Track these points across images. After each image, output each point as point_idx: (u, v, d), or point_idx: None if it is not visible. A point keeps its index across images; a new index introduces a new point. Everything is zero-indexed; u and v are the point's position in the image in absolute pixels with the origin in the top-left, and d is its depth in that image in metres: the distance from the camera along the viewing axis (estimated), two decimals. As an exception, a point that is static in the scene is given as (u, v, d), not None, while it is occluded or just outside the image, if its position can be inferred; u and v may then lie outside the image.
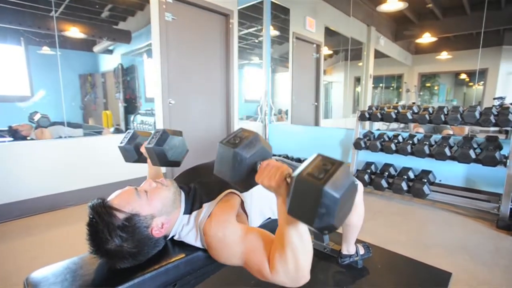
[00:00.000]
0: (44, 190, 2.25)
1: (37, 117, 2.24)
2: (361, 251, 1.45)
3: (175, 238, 0.83)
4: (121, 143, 1.18)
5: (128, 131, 1.20)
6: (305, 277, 0.67)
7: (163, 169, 2.97)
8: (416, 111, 2.59)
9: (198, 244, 0.80)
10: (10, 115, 2.20)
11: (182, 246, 0.82)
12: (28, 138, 2.22)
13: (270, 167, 0.64)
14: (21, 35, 2.19)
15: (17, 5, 2.11)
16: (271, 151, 0.71)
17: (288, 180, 0.58)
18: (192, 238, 0.80)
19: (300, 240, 0.64)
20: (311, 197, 0.50)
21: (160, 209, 0.77)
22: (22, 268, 1.51)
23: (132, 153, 1.16)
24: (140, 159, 1.17)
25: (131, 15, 2.76)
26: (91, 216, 0.70)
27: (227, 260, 0.76)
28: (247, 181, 0.67)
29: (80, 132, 2.51)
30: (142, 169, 2.56)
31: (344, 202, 0.51)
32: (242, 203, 0.87)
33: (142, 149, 1.11)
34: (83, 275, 0.70)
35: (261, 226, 0.97)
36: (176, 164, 1.07)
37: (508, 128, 2.19)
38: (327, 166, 0.52)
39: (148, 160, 1.11)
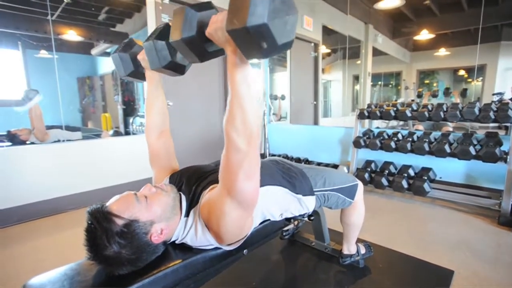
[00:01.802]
0: (43, 194, 2.24)
1: (26, 91, 2.20)
2: (362, 250, 1.44)
3: (177, 242, 0.82)
4: (115, 51, 0.99)
5: (125, 40, 1.02)
6: (255, 133, 0.65)
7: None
8: (415, 108, 2.58)
9: (199, 236, 0.79)
10: (9, 119, 2.19)
11: (180, 250, 0.81)
12: (27, 142, 2.21)
13: (218, 14, 0.63)
14: (18, 39, 2.18)
15: (14, 9, 2.10)
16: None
17: None
18: (193, 234, 0.80)
19: (246, 86, 0.63)
20: None
21: (159, 215, 0.76)
22: (22, 273, 1.50)
23: (128, 62, 0.98)
24: (137, 72, 1.00)
25: (128, 17, 2.75)
26: (89, 222, 0.69)
27: (225, 214, 0.72)
28: (198, 41, 0.66)
29: (79, 135, 2.50)
30: (143, 172, 2.55)
31: (280, 5, 0.52)
32: None
33: (140, 56, 0.95)
34: (81, 282, 0.70)
35: (260, 227, 0.97)
36: (180, 69, 0.88)
37: (508, 124, 2.18)
38: None
39: (147, 74, 0.97)
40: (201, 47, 0.68)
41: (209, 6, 0.69)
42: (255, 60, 4.14)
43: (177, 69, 0.87)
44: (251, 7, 0.50)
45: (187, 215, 0.83)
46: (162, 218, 0.77)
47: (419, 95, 5.24)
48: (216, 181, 0.83)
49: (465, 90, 5.03)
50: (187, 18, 0.65)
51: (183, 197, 0.85)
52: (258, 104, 0.66)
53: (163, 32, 0.83)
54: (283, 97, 4.45)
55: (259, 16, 0.50)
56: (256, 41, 0.53)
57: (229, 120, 0.65)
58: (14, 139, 2.17)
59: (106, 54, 2.75)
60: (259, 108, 0.67)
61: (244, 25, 0.51)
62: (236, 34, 0.55)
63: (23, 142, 2.20)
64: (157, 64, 0.85)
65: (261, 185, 0.91)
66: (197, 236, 0.79)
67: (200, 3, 0.69)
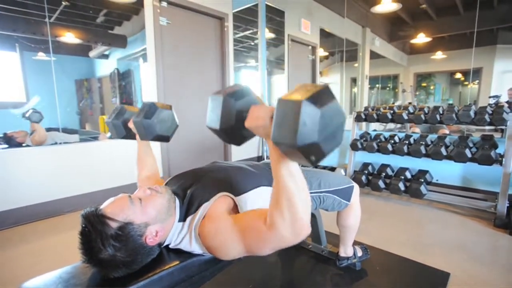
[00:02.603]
0: (40, 197, 2.23)
1: (28, 113, 2.21)
2: (359, 253, 1.45)
3: (170, 246, 0.82)
4: (109, 118, 1.15)
5: (116, 106, 1.17)
6: (304, 226, 0.63)
7: (160, 174, 2.96)
8: (411, 111, 2.60)
9: (194, 247, 0.79)
10: (5, 121, 2.18)
11: (176, 253, 0.81)
12: (24, 144, 2.21)
13: (258, 108, 0.63)
14: (15, 41, 2.18)
15: (11, 11, 2.10)
16: (262, 102, 0.71)
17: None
18: (187, 242, 0.80)
19: (294, 182, 0.61)
20: (291, 114, 0.49)
21: (154, 217, 0.76)
22: (18, 276, 1.49)
23: (120, 129, 1.13)
24: (129, 135, 1.14)
25: (126, 20, 2.76)
26: (83, 225, 0.69)
27: (228, 251, 0.74)
28: (237, 129, 0.67)
29: (76, 138, 2.50)
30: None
31: (328, 121, 0.50)
32: (235, 206, 0.86)
33: (130, 125, 1.08)
34: (76, 285, 0.69)
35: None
36: (165, 139, 1.05)
37: (503, 127, 2.20)
38: (309, 87, 0.52)
39: (138, 138, 1.09)
40: (239, 134, 0.69)
41: (246, 92, 0.68)
42: (253, 63, 4.17)
43: (162, 139, 1.04)
44: (301, 126, 0.48)
45: (182, 220, 0.82)
46: (157, 220, 0.76)
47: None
48: (215, 189, 0.84)
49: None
50: (226, 108, 0.65)
51: (177, 200, 0.85)
52: (307, 196, 0.64)
53: (150, 111, 0.97)
54: None
55: (309, 136, 0.49)
56: (304, 156, 0.52)
57: (277, 211, 0.63)
58: (10, 141, 2.16)
59: (104, 56, 2.75)
60: (309, 199, 0.65)
61: (294, 144, 0.50)
62: (283, 147, 0.54)
63: (19, 145, 2.19)
64: (145, 137, 1.03)
65: (256, 186, 0.92)
66: (191, 245, 0.79)
67: (237, 89, 0.67)
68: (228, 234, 0.72)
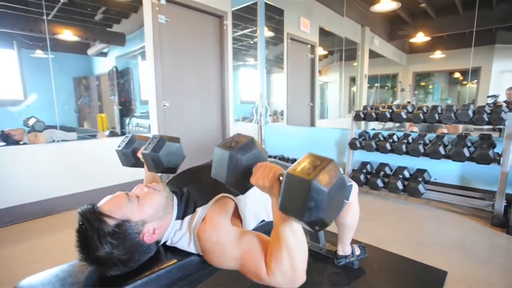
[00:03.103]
0: (37, 195, 2.22)
1: (31, 122, 2.22)
2: (357, 251, 1.45)
3: (167, 244, 0.82)
4: (119, 146, 1.18)
5: (126, 135, 1.20)
6: (301, 277, 0.67)
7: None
8: (410, 110, 2.60)
9: (191, 248, 0.79)
10: (2, 119, 2.17)
11: (174, 251, 0.81)
12: (21, 142, 2.19)
13: (264, 167, 0.66)
14: (13, 38, 2.17)
15: (9, 9, 2.09)
16: (267, 155, 0.74)
17: (281, 179, 0.61)
18: (185, 243, 0.79)
19: (295, 239, 0.65)
20: (300, 192, 0.52)
21: (151, 214, 0.76)
22: (15, 274, 1.49)
23: (129, 157, 1.16)
24: (137, 163, 1.17)
25: (125, 18, 2.75)
26: (80, 223, 0.68)
27: (222, 263, 0.76)
28: (242, 183, 0.69)
29: (74, 136, 2.49)
30: (136, 173, 2.55)
31: (333, 197, 0.54)
32: (235, 206, 0.86)
33: (139, 154, 1.10)
34: (73, 283, 0.69)
35: (255, 229, 0.96)
36: (173, 170, 1.07)
37: (501, 126, 2.20)
38: (317, 163, 0.56)
39: (145, 166, 1.11)
40: (243, 186, 0.71)
41: (252, 145, 0.70)
42: (252, 61, 4.16)
43: (169, 171, 1.06)
44: (310, 204, 0.52)
45: (180, 217, 0.82)
46: (154, 218, 0.76)
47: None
48: (214, 189, 0.84)
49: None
50: (232, 164, 0.67)
51: (175, 198, 0.85)
52: (306, 251, 0.68)
53: (158, 145, 1.01)
54: (282, 113, 4.48)
55: (316, 213, 0.52)
56: (309, 226, 0.55)
57: (277, 262, 0.67)
58: (7, 139, 2.15)
59: (103, 54, 2.74)
60: (306, 254, 0.69)
61: (301, 219, 0.54)
62: (289, 215, 0.58)
63: (17, 142, 2.18)
64: (153, 170, 1.05)
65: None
66: (189, 246, 0.79)
67: (244, 143, 0.69)
68: (229, 249, 0.73)
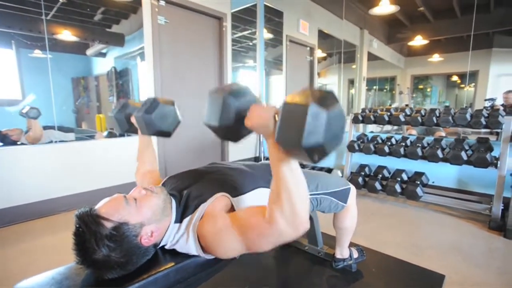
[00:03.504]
0: (35, 196, 2.21)
1: (26, 109, 2.19)
2: (355, 254, 1.45)
3: (166, 247, 0.82)
4: (113, 112, 1.18)
5: (120, 101, 1.23)
6: (304, 222, 0.64)
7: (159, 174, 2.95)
8: (408, 113, 2.61)
9: (190, 246, 0.78)
10: (0, 119, 2.16)
11: (172, 254, 0.80)
12: (18, 143, 2.18)
13: (259, 107, 0.64)
14: (11, 38, 2.16)
15: (8, 8, 2.08)
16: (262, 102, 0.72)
17: (277, 117, 0.58)
18: (183, 242, 0.79)
19: (293, 178, 0.63)
20: (298, 117, 0.51)
21: (149, 217, 0.75)
22: (13, 275, 1.48)
23: (123, 122, 1.15)
24: (131, 128, 1.16)
25: (124, 18, 2.74)
26: (77, 225, 0.68)
27: (227, 249, 0.74)
28: (236, 128, 0.68)
29: (72, 136, 2.47)
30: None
31: (332, 124, 0.52)
32: (232, 207, 0.86)
33: (133, 119, 1.09)
34: (69, 286, 0.68)
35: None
36: (167, 134, 1.05)
37: (499, 130, 2.22)
38: (315, 93, 0.54)
39: (139, 132, 1.10)
40: (237, 132, 0.70)
41: (246, 91, 0.69)
42: (251, 63, 4.16)
43: (163, 134, 1.05)
44: (308, 127, 0.50)
45: (179, 221, 0.82)
46: (152, 220, 0.76)
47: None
48: (212, 190, 0.83)
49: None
50: (226, 106, 0.66)
51: (173, 201, 0.85)
52: (306, 193, 0.66)
53: (152, 107, 0.98)
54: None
55: (315, 137, 0.51)
56: (308, 155, 0.53)
57: (277, 207, 0.64)
58: (5, 139, 2.13)
59: (102, 54, 2.74)
60: (307, 196, 0.67)
61: (300, 145, 0.51)
62: (287, 147, 0.56)
63: (14, 143, 2.16)
64: (146, 132, 1.04)
65: (254, 188, 0.91)
66: (187, 244, 0.79)
67: (236, 88, 0.68)
68: (228, 232, 0.72)
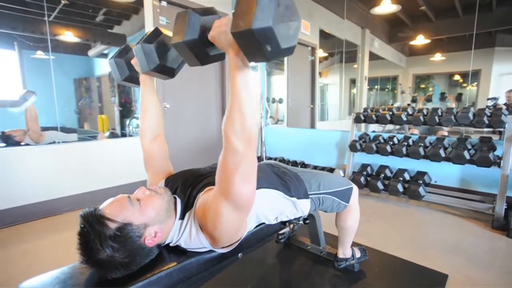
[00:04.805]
0: (38, 196, 2.22)
1: (23, 92, 2.19)
2: (358, 254, 1.45)
3: (171, 244, 0.82)
4: (112, 57, 1.04)
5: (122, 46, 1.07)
6: (253, 136, 0.67)
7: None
8: (410, 112, 2.60)
9: (193, 239, 0.79)
10: (3, 120, 2.18)
11: (175, 253, 0.81)
12: (22, 143, 2.19)
13: (221, 19, 0.66)
14: (14, 39, 2.17)
15: (10, 10, 2.09)
16: None
17: None
18: (187, 236, 0.80)
19: (246, 90, 0.64)
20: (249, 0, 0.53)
21: (153, 218, 0.76)
22: (15, 276, 1.48)
23: (123, 67, 1.02)
24: (132, 76, 1.03)
25: (126, 19, 2.75)
26: (82, 226, 0.68)
27: (220, 217, 0.71)
28: (200, 45, 0.68)
29: (74, 137, 2.49)
30: (138, 175, 2.55)
31: (284, 10, 0.54)
32: None
33: (133, 61, 0.98)
34: (73, 285, 0.69)
35: (255, 230, 0.97)
36: (170, 72, 0.92)
37: (501, 129, 2.20)
38: None
39: (140, 78, 0.99)
40: (203, 51, 0.70)
41: (212, 11, 0.70)
42: (252, 63, 4.15)
43: (166, 71, 0.91)
44: (257, 11, 0.52)
45: (182, 217, 0.82)
46: (156, 221, 0.76)
47: (414, 100, 5.29)
48: (211, 183, 0.83)
49: (460, 94, 5.08)
50: (190, 22, 0.66)
51: (178, 200, 0.85)
52: (256, 108, 0.68)
53: (152, 36, 0.87)
54: (280, 101, 4.47)
55: (264, 20, 0.52)
56: (260, 44, 0.55)
57: (228, 123, 0.66)
58: (8, 140, 2.15)
59: (103, 55, 2.75)
60: (258, 112, 0.68)
61: (250, 27, 0.53)
62: (240, 36, 0.57)
63: (17, 144, 2.18)
64: (146, 67, 0.87)
65: (256, 188, 0.92)
66: (191, 237, 0.79)
67: (203, 8, 0.70)
68: (212, 199, 0.74)
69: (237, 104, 0.64)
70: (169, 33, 0.90)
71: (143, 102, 1.03)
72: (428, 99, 5.06)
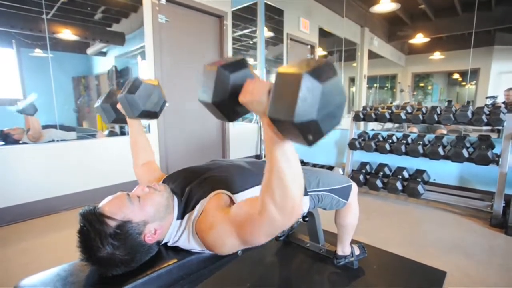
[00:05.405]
0: (37, 195, 2.22)
1: (23, 105, 2.17)
2: (357, 251, 1.45)
3: (169, 244, 0.82)
4: (98, 102, 1.11)
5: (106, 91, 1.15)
6: (296, 207, 0.60)
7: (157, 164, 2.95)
8: (409, 111, 2.61)
9: (192, 244, 0.79)
10: (1, 118, 2.17)
11: (175, 251, 0.81)
12: (20, 142, 2.19)
13: (254, 82, 0.59)
14: (12, 37, 2.16)
15: (8, 7, 2.08)
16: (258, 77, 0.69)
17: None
18: (185, 240, 0.79)
19: (287, 162, 0.57)
20: (291, 88, 0.46)
21: (153, 215, 0.76)
22: (14, 275, 1.48)
23: (110, 111, 1.09)
24: (119, 118, 1.10)
25: (124, 17, 2.74)
26: (82, 224, 0.68)
27: (223, 244, 0.72)
28: (230, 104, 0.63)
29: (73, 135, 2.48)
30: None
31: (328, 98, 0.47)
32: (232, 203, 0.86)
33: (119, 106, 1.04)
34: (74, 283, 0.69)
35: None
36: (153, 115, 1.01)
37: (500, 127, 2.21)
38: (310, 62, 0.48)
39: (128, 120, 1.06)
40: (232, 109, 0.65)
41: (242, 63, 0.64)
42: (251, 61, 4.16)
43: (150, 115, 1.01)
44: (300, 101, 0.45)
45: (180, 217, 0.82)
46: (155, 218, 0.76)
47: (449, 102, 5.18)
48: (213, 186, 0.84)
49: (468, 103, 5.09)
50: (219, 80, 0.61)
51: (175, 198, 0.85)
52: (300, 173, 0.60)
53: (134, 86, 0.94)
54: None
55: (308, 112, 0.45)
56: (301, 134, 0.48)
57: (267, 192, 0.60)
58: (7, 138, 2.14)
59: (102, 53, 2.74)
60: (302, 181, 0.61)
61: (291, 120, 0.46)
62: (279, 123, 0.51)
63: (16, 142, 2.17)
64: (131, 114, 0.98)
65: (254, 185, 0.92)
66: (189, 242, 0.79)
67: (233, 61, 0.64)
68: (222, 226, 0.71)
69: (278, 177, 0.58)
70: (150, 81, 1.00)
71: (131, 138, 1.13)
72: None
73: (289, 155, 0.58)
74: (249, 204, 0.69)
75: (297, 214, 0.61)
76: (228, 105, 0.64)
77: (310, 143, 0.50)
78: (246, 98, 0.59)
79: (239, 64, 0.64)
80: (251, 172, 0.98)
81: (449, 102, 5.00)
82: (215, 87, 0.62)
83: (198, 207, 0.79)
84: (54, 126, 2.35)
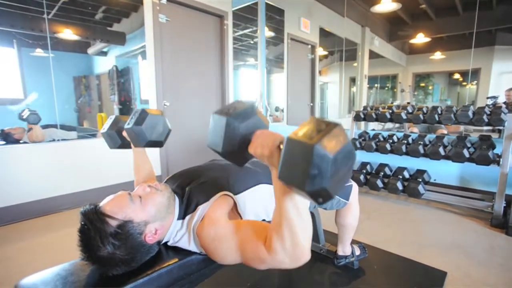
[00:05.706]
0: (37, 194, 2.22)
1: (25, 114, 2.19)
2: (357, 251, 1.45)
3: (169, 244, 0.82)
4: (104, 129, 1.16)
5: (110, 116, 1.18)
6: (305, 254, 0.62)
7: (157, 171, 2.95)
8: (410, 111, 2.60)
9: (192, 247, 0.79)
10: (2, 118, 2.17)
11: (175, 250, 0.81)
12: (21, 141, 2.19)
13: (264, 135, 0.61)
14: (13, 37, 2.16)
15: (9, 7, 2.08)
16: (268, 124, 0.68)
17: (282, 147, 0.54)
18: (185, 242, 0.79)
19: (297, 213, 0.59)
20: (302, 158, 0.47)
21: (154, 214, 0.76)
22: (14, 274, 1.49)
23: (115, 138, 1.14)
24: (124, 144, 1.15)
25: (125, 17, 2.74)
26: (82, 223, 0.68)
27: (224, 258, 0.73)
28: (240, 153, 0.64)
29: (74, 135, 2.49)
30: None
31: (339, 165, 0.47)
32: (235, 205, 0.86)
33: (124, 133, 1.09)
34: (74, 282, 0.69)
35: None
36: (159, 144, 1.06)
37: (501, 127, 2.21)
38: (321, 127, 0.49)
39: (133, 146, 1.11)
40: (242, 157, 0.66)
41: (251, 112, 0.65)
42: (252, 61, 4.15)
43: (155, 144, 1.05)
44: (312, 172, 0.45)
45: (182, 217, 0.82)
46: (156, 218, 0.76)
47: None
48: (214, 189, 0.84)
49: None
50: (229, 130, 0.62)
51: (177, 198, 0.85)
52: (310, 225, 0.62)
53: (140, 118, 0.99)
54: (283, 110, 4.51)
55: (319, 182, 0.46)
56: (311, 198, 0.49)
57: (277, 238, 0.62)
58: (7, 138, 2.14)
59: (103, 53, 2.74)
60: (311, 229, 0.63)
61: (303, 189, 0.47)
62: (290, 186, 0.52)
63: (17, 141, 2.17)
64: (137, 144, 1.04)
65: (255, 184, 0.92)
66: (189, 245, 0.79)
67: (241, 109, 0.64)
68: (227, 242, 0.71)
69: (286, 223, 0.60)
70: (154, 111, 1.05)
71: (135, 164, 1.16)
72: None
73: (299, 205, 0.59)
74: (259, 232, 0.69)
75: (305, 259, 0.63)
76: (237, 154, 0.65)
77: (319, 203, 0.51)
78: (256, 151, 0.60)
79: (249, 113, 0.64)
80: (251, 171, 0.98)
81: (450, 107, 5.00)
82: (225, 138, 0.63)
83: (199, 211, 0.79)
84: (54, 126, 2.35)
